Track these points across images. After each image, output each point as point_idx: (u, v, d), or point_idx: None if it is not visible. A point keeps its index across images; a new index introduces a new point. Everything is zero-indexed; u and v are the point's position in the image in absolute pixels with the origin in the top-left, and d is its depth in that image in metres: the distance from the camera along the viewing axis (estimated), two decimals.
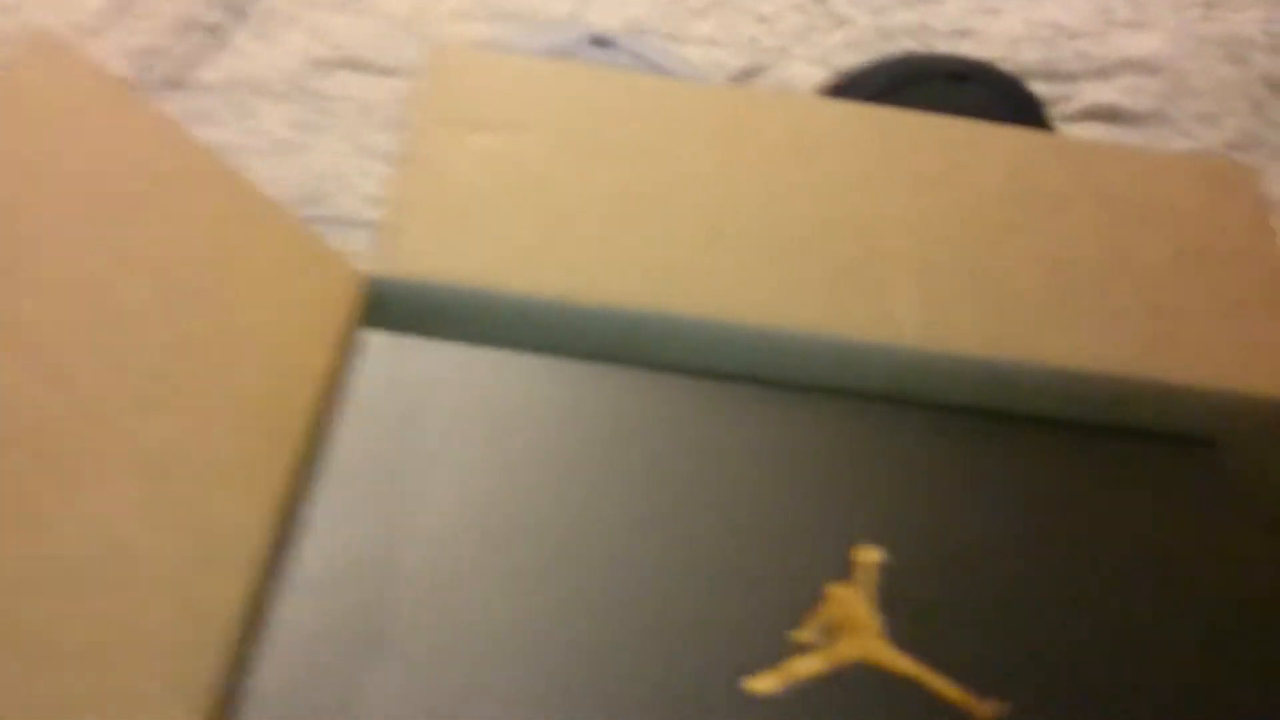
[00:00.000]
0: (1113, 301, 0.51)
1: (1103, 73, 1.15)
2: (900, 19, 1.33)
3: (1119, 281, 0.52)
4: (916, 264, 0.50)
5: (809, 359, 0.48)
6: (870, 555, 0.43)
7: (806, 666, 0.39)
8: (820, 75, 1.13)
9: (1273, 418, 0.50)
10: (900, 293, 0.49)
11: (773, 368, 0.48)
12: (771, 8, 1.39)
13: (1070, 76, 1.15)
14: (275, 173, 0.93)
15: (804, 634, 0.41)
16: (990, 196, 0.54)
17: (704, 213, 0.51)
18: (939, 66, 0.81)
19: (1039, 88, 1.16)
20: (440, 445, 0.43)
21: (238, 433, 0.38)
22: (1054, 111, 1.10)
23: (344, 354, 0.45)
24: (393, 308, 0.47)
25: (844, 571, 0.42)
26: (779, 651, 0.40)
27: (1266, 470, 0.50)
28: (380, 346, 0.45)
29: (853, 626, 0.40)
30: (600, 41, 0.83)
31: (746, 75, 1.17)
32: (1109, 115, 1.08)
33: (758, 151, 0.54)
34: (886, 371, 0.49)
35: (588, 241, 0.49)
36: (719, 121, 0.54)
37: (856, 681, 0.40)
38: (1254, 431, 0.50)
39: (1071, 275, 0.52)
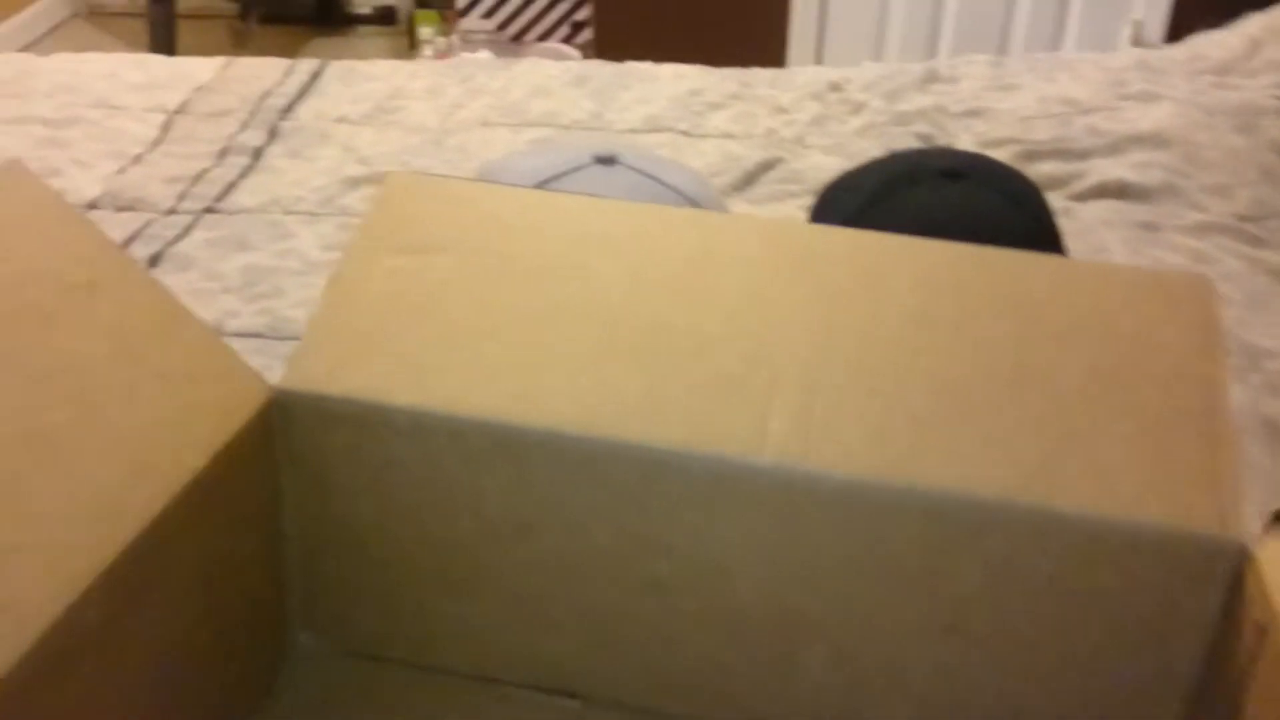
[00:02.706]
0: (1003, 422, 0.48)
1: (1114, 148, 1.16)
2: (915, 102, 1.35)
3: (1014, 402, 0.49)
4: (802, 381, 0.50)
5: (679, 473, 0.49)
6: None
7: None
8: (836, 164, 1.16)
9: (1161, 551, 0.46)
10: (775, 408, 0.50)
11: (642, 483, 0.50)
12: (790, 97, 1.42)
13: (1082, 154, 1.16)
14: (305, 294, 0.97)
15: None
16: (896, 313, 0.53)
17: (598, 327, 0.53)
18: (931, 164, 0.83)
19: (1051, 167, 1.17)
20: None
21: (65, 522, 0.42)
22: (1065, 190, 1.11)
23: (233, 463, 0.48)
24: (296, 420, 0.51)
25: None
26: None
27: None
28: None
29: None
30: (604, 159, 0.86)
31: (763, 169, 1.20)
32: (1119, 191, 1.09)
33: (664, 268, 0.55)
34: (749, 491, 0.49)
35: (477, 357, 0.52)
36: (630, 240, 0.57)
37: None
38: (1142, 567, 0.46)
39: (964, 395, 0.49)
